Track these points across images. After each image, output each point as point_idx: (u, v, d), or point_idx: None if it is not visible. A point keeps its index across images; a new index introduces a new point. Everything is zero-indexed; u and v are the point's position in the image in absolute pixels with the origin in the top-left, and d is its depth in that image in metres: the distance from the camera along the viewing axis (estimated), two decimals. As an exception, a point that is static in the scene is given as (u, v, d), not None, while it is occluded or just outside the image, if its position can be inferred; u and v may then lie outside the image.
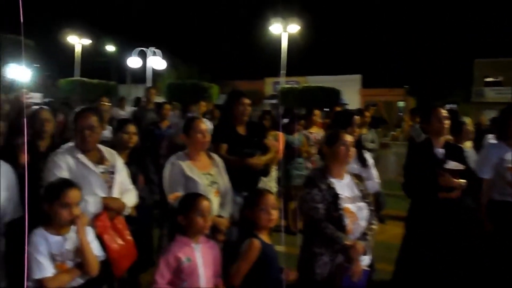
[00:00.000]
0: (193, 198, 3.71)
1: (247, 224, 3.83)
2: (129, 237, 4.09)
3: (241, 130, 5.69)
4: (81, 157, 4.02)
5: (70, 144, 4.14)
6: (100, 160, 4.16)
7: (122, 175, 4.23)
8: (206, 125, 4.90)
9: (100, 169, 4.08)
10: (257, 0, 46.05)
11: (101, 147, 4.28)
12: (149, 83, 30.65)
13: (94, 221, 3.85)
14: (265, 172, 5.85)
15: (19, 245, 3.26)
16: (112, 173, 4.14)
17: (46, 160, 4.19)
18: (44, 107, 5.31)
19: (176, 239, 3.59)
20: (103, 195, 4.00)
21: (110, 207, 3.99)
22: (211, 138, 4.96)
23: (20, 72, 9.31)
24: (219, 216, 4.62)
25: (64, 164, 3.94)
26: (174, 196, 4.08)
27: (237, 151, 5.46)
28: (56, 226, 3.45)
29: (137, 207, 4.48)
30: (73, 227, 3.48)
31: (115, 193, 4.09)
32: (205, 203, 3.64)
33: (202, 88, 29.63)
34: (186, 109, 9.15)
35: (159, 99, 17.83)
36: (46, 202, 3.43)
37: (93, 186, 3.94)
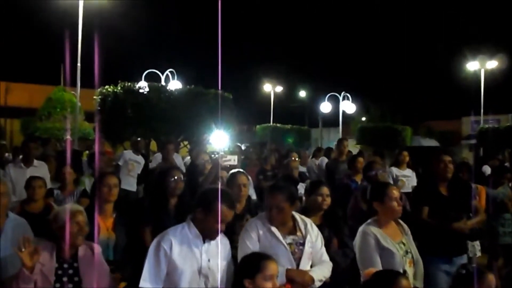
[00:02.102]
0: (392, 276, 3.41)
1: None
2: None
3: (443, 190, 5.27)
4: (272, 228, 3.99)
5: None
6: (291, 230, 4.07)
7: (315, 247, 4.08)
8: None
9: (288, 240, 3.98)
10: (451, 37, 43.99)
11: (297, 215, 4.19)
12: (340, 127, 30.87)
13: (277, 293, 3.73)
14: (474, 236, 5.31)
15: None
16: (302, 244, 4.01)
17: (242, 222, 4.34)
18: (241, 170, 5.44)
19: None
20: (290, 266, 3.87)
21: (295, 280, 3.83)
22: (412, 200, 4.64)
23: (222, 128, 9.91)
24: (415, 287, 4.21)
25: (255, 234, 3.95)
26: (368, 272, 3.78)
27: (440, 214, 5.07)
28: None
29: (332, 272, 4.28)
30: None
31: (303, 266, 3.94)
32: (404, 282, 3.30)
33: (394, 130, 29.00)
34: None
35: (351, 142, 17.72)
36: (246, 277, 3.36)
37: (279, 257, 3.82)
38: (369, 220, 4.46)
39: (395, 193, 4.40)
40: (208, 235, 3.65)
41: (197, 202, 3.73)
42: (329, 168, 9.73)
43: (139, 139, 11.35)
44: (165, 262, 3.58)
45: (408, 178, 9.21)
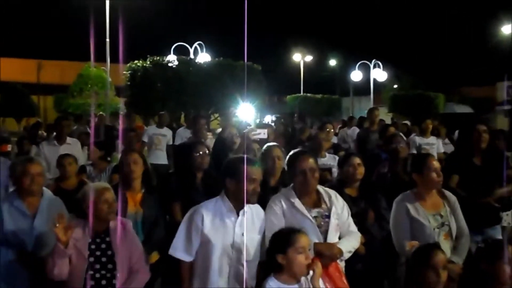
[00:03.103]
0: (429, 250, 3.41)
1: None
2: (345, 285, 3.86)
3: (477, 160, 5.19)
4: (296, 201, 3.95)
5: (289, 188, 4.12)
6: (316, 203, 4.02)
7: (341, 218, 4.05)
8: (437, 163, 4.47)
9: (314, 213, 3.94)
10: (485, 1, 42.70)
11: (320, 188, 4.15)
12: (372, 96, 30.52)
13: (306, 268, 3.73)
14: (506, 206, 5.21)
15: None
16: (328, 216, 3.95)
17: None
18: (276, 144, 5.42)
19: None
20: (317, 240, 3.83)
21: (323, 254, 3.80)
22: (444, 166, 4.55)
23: (248, 100, 9.85)
24: (450, 261, 4.11)
25: (279, 210, 3.92)
26: (410, 245, 3.74)
27: (472, 184, 4.98)
28: (292, 274, 3.37)
29: (366, 244, 4.28)
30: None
31: (330, 238, 3.90)
32: None
33: (427, 98, 28.54)
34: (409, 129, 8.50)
35: (383, 111, 17.43)
36: (278, 252, 3.38)
37: (306, 231, 3.81)
38: (407, 192, 4.42)
39: (435, 163, 4.34)
40: (242, 203, 3.63)
41: (223, 173, 3.73)
42: (360, 138, 9.62)
43: (162, 112, 11.29)
44: (197, 235, 3.61)
45: (432, 145, 9.13)
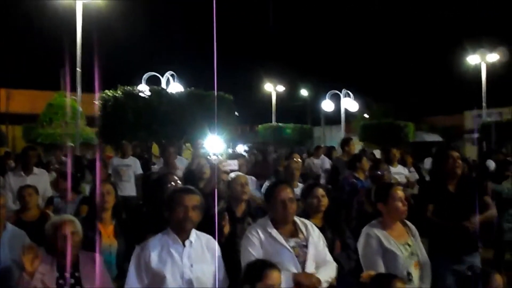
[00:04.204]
0: (388, 280, 3.39)
1: None
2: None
3: (452, 187, 5.18)
4: (273, 232, 3.94)
5: (265, 218, 4.10)
6: (293, 233, 4.02)
7: (318, 248, 4.02)
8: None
9: (291, 243, 3.93)
10: (451, 32, 43.90)
11: (296, 218, 4.14)
12: (343, 125, 30.84)
13: (285, 298, 3.68)
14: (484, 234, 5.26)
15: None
16: (305, 246, 3.95)
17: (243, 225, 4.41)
18: (240, 173, 5.40)
19: None
20: (295, 270, 3.82)
21: (302, 284, 3.79)
22: (418, 196, 4.57)
23: (217, 132, 9.78)
24: (420, 291, 4.18)
25: (257, 240, 3.90)
26: (367, 274, 3.74)
27: (447, 212, 5.00)
28: None
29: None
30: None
31: (309, 268, 3.89)
32: None
33: (397, 127, 28.90)
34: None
35: (354, 139, 17.57)
36: (247, 284, 3.36)
37: (284, 262, 3.79)
38: (373, 221, 4.42)
39: (399, 193, 4.35)
40: (186, 233, 3.64)
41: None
42: (335, 167, 9.63)
43: (123, 142, 11.02)
44: (146, 272, 3.57)
45: (400, 175, 9.16)
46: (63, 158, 12.47)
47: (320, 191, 4.92)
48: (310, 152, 16.23)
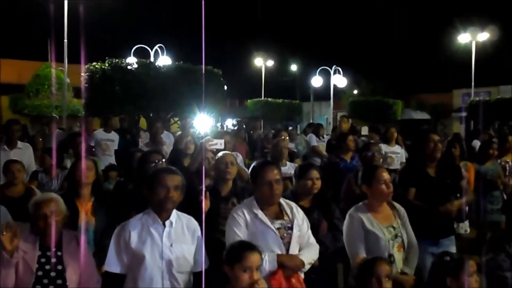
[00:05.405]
0: (372, 262, 3.42)
1: None
2: (307, 297, 3.86)
3: (432, 171, 5.17)
4: (259, 213, 3.93)
5: (251, 198, 4.09)
6: (278, 215, 4.01)
7: (301, 230, 4.02)
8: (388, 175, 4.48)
9: (276, 224, 3.93)
10: (442, 10, 43.67)
11: (281, 200, 4.13)
12: (332, 101, 30.85)
13: (269, 280, 3.69)
14: (460, 217, 5.29)
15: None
16: (290, 228, 3.95)
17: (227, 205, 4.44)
18: (228, 152, 5.35)
19: None
20: (280, 252, 3.84)
21: (286, 265, 3.81)
22: (399, 180, 4.57)
23: (206, 110, 9.63)
24: (403, 273, 4.21)
25: (243, 221, 3.90)
26: (359, 259, 3.79)
27: (427, 196, 5.00)
28: None
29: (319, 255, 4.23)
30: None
31: (293, 250, 3.90)
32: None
33: (385, 104, 28.96)
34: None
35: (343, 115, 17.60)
36: (227, 265, 3.37)
37: (269, 243, 3.81)
38: (359, 204, 4.42)
39: (384, 175, 4.34)
40: (167, 213, 3.62)
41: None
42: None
43: (109, 116, 11.00)
44: (126, 250, 3.56)
45: (397, 154, 9.13)
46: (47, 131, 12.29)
47: (315, 173, 4.85)
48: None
